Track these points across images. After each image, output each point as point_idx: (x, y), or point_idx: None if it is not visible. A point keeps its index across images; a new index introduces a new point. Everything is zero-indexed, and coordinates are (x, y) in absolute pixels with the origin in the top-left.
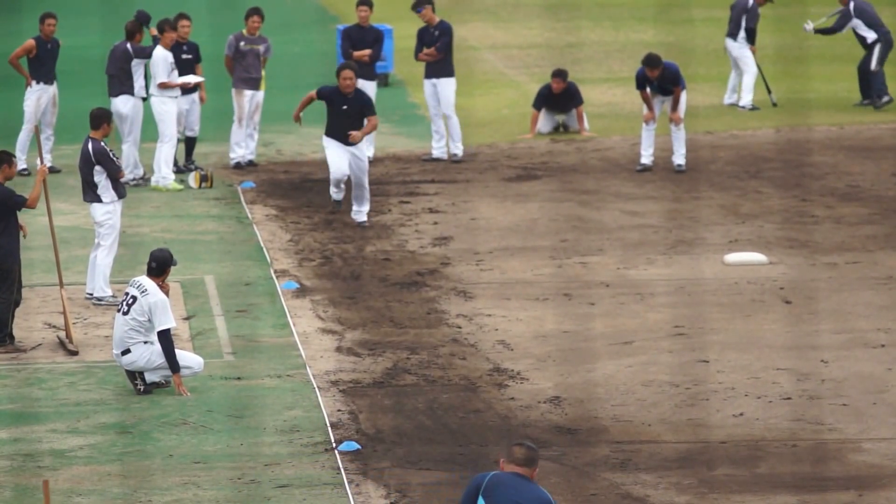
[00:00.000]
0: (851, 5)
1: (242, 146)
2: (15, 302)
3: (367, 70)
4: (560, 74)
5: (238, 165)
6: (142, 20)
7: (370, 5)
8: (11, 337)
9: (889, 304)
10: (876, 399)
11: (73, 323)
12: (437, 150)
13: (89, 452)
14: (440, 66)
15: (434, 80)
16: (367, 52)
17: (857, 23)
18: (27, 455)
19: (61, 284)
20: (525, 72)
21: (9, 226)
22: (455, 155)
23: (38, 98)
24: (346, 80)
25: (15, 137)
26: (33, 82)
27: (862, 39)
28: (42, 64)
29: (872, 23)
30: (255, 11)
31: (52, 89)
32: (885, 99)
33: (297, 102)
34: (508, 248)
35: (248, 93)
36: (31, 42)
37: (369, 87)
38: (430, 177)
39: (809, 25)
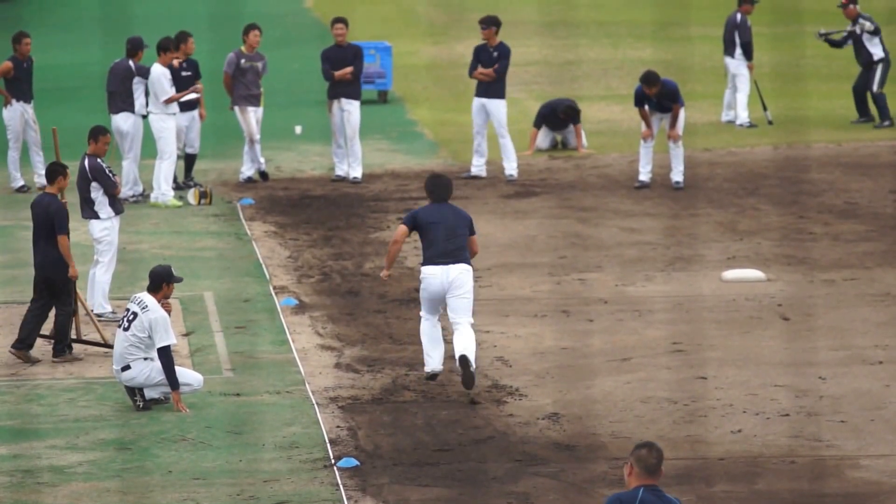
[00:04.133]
0: (857, 27)
1: (256, 162)
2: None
3: (351, 89)
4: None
5: (250, 180)
6: (137, 46)
7: (346, 23)
8: (70, 347)
9: (887, 320)
10: (874, 416)
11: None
12: (476, 167)
13: (88, 468)
14: (493, 87)
15: (484, 100)
16: (349, 69)
17: (867, 35)
18: (26, 471)
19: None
20: (524, 89)
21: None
22: (511, 176)
23: (20, 116)
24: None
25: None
26: (13, 101)
27: (867, 55)
28: (21, 83)
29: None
30: (255, 26)
31: (31, 107)
32: (886, 123)
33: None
34: (507, 265)
35: (251, 109)
36: (8, 64)
37: (355, 107)
38: None
39: (822, 31)
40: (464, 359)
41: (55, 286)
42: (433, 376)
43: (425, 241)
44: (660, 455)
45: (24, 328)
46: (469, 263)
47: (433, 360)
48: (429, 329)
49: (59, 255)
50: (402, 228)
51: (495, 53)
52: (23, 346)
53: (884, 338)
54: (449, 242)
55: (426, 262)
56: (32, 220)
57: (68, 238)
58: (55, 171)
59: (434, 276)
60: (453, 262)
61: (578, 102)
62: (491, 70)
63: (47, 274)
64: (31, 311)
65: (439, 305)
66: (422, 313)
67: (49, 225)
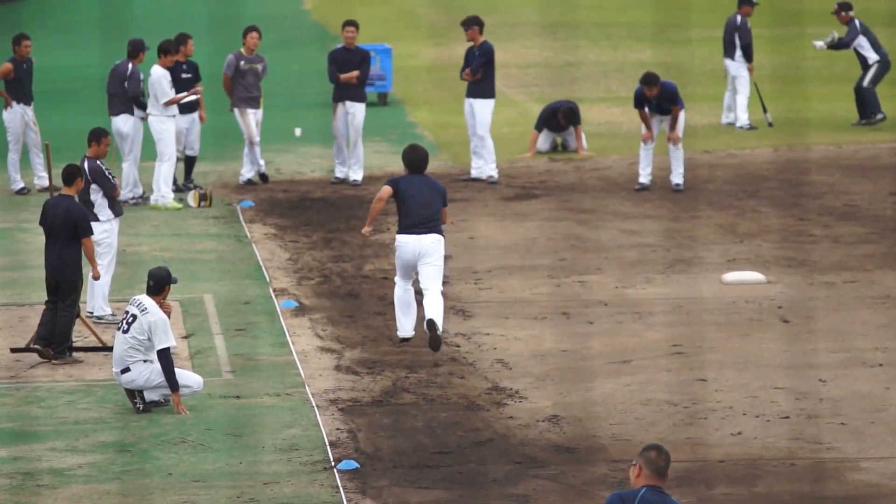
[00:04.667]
0: (857, 22)
1: (255, 164)
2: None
3: (356, 92)
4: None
5: (249, 182)
6: (138, 48)
7: (356, 26)
8: (71, 350)
9: (887, 323)
10: (874, 418)
11: (75, 341)
12: (476, 170)
13: (88, 471)
14: (478, 87)
15: (471, 100)
16: (355, 73)
17: (862, 41)
18: (26, 474)
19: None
20: (523, 91)
21: (75, 241)
22: (491, 177)
23: (20, 118)
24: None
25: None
26: (13, 103)
27: (863, 59)
28: (21, 84)
29: (874, 45)
30: (253, 28)
31: (31, 109)
32: (880, 116)
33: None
34: (507, 267)
35: (250, 111)
36: (8, 65)
37: (360, 109)
38: None
39: (820, 42)
40: (431, 322)
41: (63, 287)
42: (405, 340)
43: (402, 211)
44: (668, 458)
45: (44, 327)
46: (441, 234)
47: (405, 327)
48: (401, 294)
49: (72, 257)
50: (387, 189)
51: (476, 53)
52: (44, 343)
53: (884, 340)
54: (423, 213)
55: (401, 230)
56: (47, 222)
57: (87, 244)
58: (72, 174)
59: (407, 245)
60: (426, 233)
61: (578, 104)
62: (468, 70)
63: (57, 276)
64: (50, 309)
65: (412, 272)
66: (396, 279)
67: (69, 228)
